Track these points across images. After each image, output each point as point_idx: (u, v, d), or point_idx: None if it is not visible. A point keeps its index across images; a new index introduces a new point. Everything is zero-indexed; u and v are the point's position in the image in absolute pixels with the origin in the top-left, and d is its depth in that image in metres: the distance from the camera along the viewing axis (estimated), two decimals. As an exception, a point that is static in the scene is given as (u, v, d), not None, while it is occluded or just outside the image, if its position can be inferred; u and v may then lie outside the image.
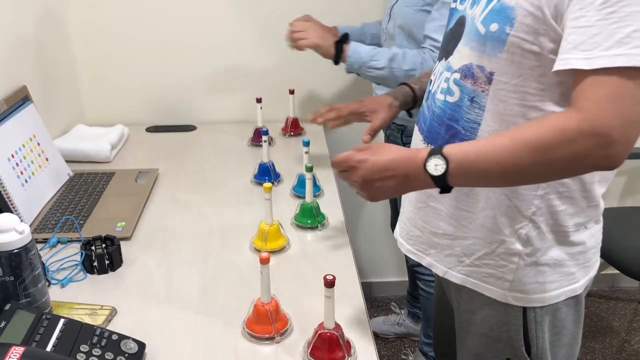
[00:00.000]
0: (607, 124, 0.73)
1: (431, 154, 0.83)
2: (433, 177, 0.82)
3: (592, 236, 0.94)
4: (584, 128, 0.74)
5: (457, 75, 0.90)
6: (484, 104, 0.87)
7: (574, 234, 0.91)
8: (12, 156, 1.34)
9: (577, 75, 0.77)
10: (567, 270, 0.93)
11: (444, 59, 0.95)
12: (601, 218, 0.95)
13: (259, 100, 1.76)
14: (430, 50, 1.46)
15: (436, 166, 0.82)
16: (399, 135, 1.68)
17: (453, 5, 0.97)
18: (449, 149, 0.82)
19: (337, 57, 1.50)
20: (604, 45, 0.73)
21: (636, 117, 0.74)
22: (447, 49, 0.95)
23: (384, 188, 0.88)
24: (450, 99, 0.91)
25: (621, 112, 0.73)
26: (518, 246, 0.91)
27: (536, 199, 0.88)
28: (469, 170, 0.81)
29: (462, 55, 0.90)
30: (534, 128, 0.78)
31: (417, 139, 1.01)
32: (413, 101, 1.25)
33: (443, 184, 0.83)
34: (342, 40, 1.51)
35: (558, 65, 0.77)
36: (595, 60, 0.73)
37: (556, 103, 0.82)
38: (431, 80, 1.00)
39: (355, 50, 1.49)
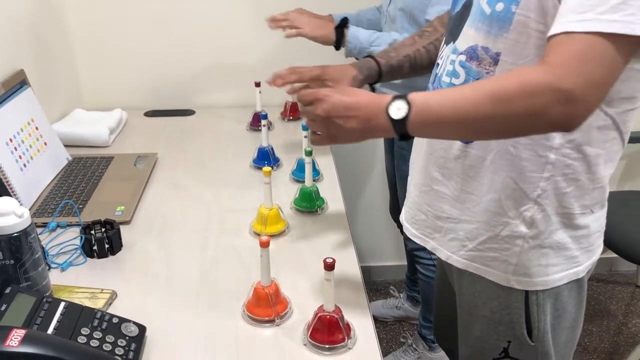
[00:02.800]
0: (571, 81, 0.71)
1: (396, 97, 0.82)
2: (393, 122, 0.81)
3: (596, 220, 0.94)
4: (546, 81, 0.72)
5: (462, 57, 0.90)
6: None
7: (579, 217, 0.91)
8: (10, 140, 1.34)
9: (566, 37, 0.74)
10: (571, 253, 0.93)
11: (451, 42, 0.95)
12: (606, 202, 0.95)
13: (257, 85, 1.75)
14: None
15: (398, 109, 0.81)
16: None
17: None
18: (413, 95, 0.81)
19: (338, 42, 1.51)
20: (598, 10, 0.71)
21: (602, 80, 0.73)
22: (453, 33, 0.94)
23: (345, 128, 0.86)
24: (456, 81, 0.91)
25: (588, 72, 0.72)
26: (523, 229, 0.91)
27: (542, 181, 0.88)
28: (429, 116, 0.80)
29: (468, 37, 0.89)
30: (498, 78, 0.77)
31: None
32: (378, 75, 1.23)
33: (402, 129, 0.81)
34: (342, 25, 1.52)
35: (553, 30, 0.75)
36: (589, 23, 0.72)
37: None
38: (438, 64, 0.99)
39: (354, 35, 1.50)
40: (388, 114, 0.81)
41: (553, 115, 0.73)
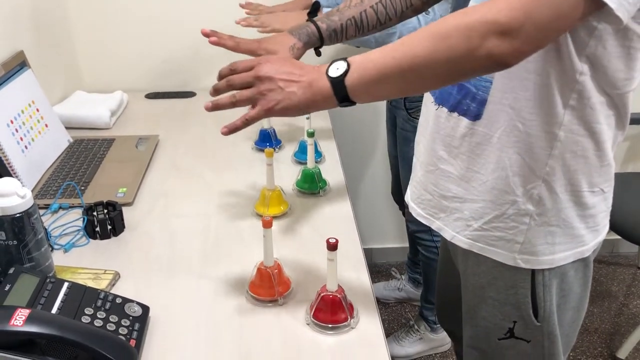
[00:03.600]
0: (510, 14, 0.70)
1: (337, 59, 0.81)
2: (333, 83, 0.80)
3: (604, 200, 0.93)
4: (486, 15, 0.72)
5: None
6: None
7: (588, 196, 0.90)
8: (12, 122, 1.33)
9: None
10: (577, 232, 0.92)
11: None
12: (613, 182, 0.94)
13: (259, 66, 1.74)
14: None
15: (337, 69, 0.80)
16: (402, 100, 1.67)
17: None
18: (353, 57, 0.81)
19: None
20: None
21: (545, 22, 0.71)
22: (459, 8, 0.93)
23: (285, 92, 0.83)
24: None
25: (530, 8, 0.70)
26: (529, 206, 0.90)
27: (550, 158, 0.87)
28: (368, 69, 0.79)
29: None
30: (441, 19, 0.76)
31: (427, 100, 1.00)
32: (319, 41, 1.18)
33: (343, 91, 0.80)
34: (314, 10, 1.45)
35: None
36: None
37: (570, 58, 0.81)
38: None
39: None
40: (328, 75, 0.81)
41: (488, 48, 0.72)
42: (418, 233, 1.84)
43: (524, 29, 0.71)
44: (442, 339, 2.02)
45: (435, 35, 0.75)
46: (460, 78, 0.83)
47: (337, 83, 0.80)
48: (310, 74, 0.83)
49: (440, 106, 0.95)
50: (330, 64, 0.82)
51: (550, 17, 0.71)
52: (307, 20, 1.18)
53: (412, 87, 0.83)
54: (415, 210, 1.07)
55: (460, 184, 0.96)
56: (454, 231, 0.99)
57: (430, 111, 0.98)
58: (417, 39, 0.76)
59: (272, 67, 0.85)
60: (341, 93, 0.81)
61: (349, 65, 0.80)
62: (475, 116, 0.90)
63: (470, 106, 0.90)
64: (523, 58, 0.74)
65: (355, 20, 1.16)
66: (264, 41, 1.17)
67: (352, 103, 0.82)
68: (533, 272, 0.94)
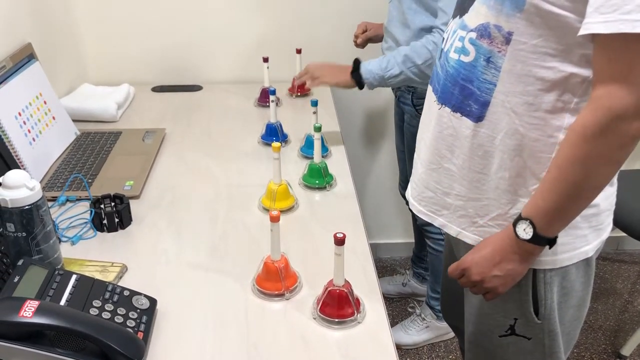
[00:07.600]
0: (621, 105, 0.74)
1: (515, 222, 0.88)
2: (534, 242, 0.86)
3: (606, 198, 0.93)
4: (600, 119, 0.75)
5: (473, 35, 0.88)
6: (500, 65, 0.85)
7: None
8: (19, 114, 1.34)
9: (595, 42, 0.76)
10: (580, 232, 0.92)
11: (458, 16, 0.93)
12: (615, 180, 0.94)
13: (265, 60, 1.74)
14: (440, 30, 1.41)
15: (524, 230, 0.87)
16: (410, 97, 1.66)
17: None
18: (525, 210, 0.87)
19: (360, 83, 1.49)
20: (624, 9, 0.71)
21: None
22: (462, 6, 0.92)
23: (505, 272, 0.90)
24: (465, 59, 0.90)
25: (634, 86, 0.73)
26: None
27: (552, 161, 0.87)
28: (550, 215, 0.85)
29: (479, 13, 0.87)
30: (565, 147, 0.81)
31: (430, 99, 1.00)
32: None
33: (540, 241, 0.86)
34: (356, 68, 1.50)
35: (581, 31, 0.76)
36: (614, 25, 0.71)
37: (576, 64, 0.81)
38: (444, 39, 0.97)
39: (366, 69, 1.47)
40: (524, 240, 0.87)
41: (626, 136, 0.76)
42: (426, 226, 1.84)
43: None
44: (447, 327, 2.02)
45: (577, 161, 0.79)
46: (624, 161, 0.84)
47: (538, 240, 0.86)
48: (505, 245, 0.89)
49: (443, 106, 0.95)
50: (515, 228, 0.88)
51: None
52: None
53: (592, 197, 0.85)
54: (416, 207, 1.07)
55: (463, 182, 0.96)
56: (459, 227, 0.99)
57: (433, 110, 0.98)
58: (565, 172, 0.81)
59: (476, 267, 0.93)
60: (541, 242, 0.87)
61: (532, 222, 0.86)
62: (478, 118, 0.90)
63: (472, 107, 0.90)
64: None
65: None
66: None
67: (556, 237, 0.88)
68: (535, 270, 0.94)
